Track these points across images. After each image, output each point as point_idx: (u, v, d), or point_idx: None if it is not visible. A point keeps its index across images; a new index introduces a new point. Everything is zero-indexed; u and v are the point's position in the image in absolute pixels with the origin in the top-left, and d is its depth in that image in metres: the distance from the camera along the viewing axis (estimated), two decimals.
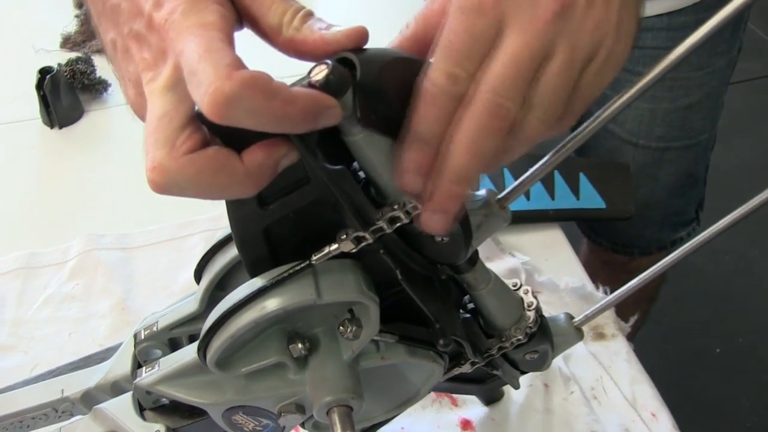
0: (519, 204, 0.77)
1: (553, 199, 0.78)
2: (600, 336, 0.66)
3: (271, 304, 0.38)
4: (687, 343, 1.74)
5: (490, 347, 0.48)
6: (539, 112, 0.33)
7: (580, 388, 0.62)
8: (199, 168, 0.30)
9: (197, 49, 0.29)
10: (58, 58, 1.07)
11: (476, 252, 0.43)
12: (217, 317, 0.39)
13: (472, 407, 0.60)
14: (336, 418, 0.41)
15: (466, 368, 0.50)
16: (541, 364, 0.53)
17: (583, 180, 0.79)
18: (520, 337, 0.48)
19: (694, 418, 1.55)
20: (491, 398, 0.60)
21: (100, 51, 1.11)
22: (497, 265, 0.70)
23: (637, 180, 0.95)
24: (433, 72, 0.32)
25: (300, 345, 0.41)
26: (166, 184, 0.30)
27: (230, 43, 0.31)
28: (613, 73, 0.35)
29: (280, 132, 0.30)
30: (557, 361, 0.63)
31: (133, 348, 0.48)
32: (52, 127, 0.99)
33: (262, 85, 0.28)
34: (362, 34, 0.32)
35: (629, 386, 0.62)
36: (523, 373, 0.54)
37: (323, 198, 0.36)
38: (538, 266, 0.72)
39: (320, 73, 0.31)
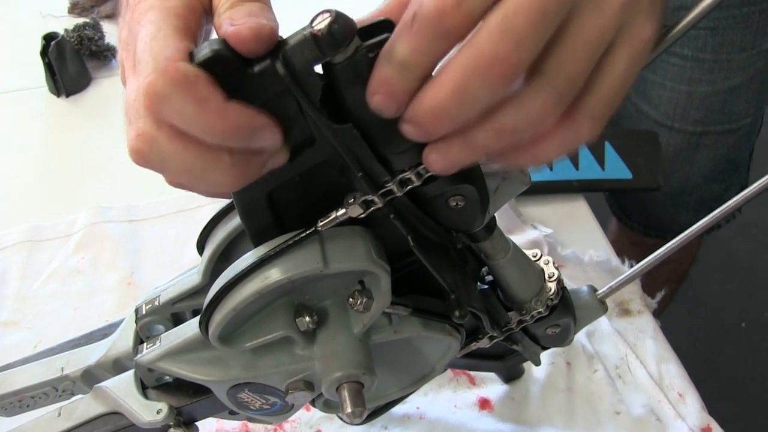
0: (542, 174, 0.75)
1: (577, 169, 0.75)
2: (625, 312, 0.64)
3: (275, 273, 0.36)
4: (713, 318, 1.72)
5: (509, 320, 0.46)
6: (549, 80, 0.28)
7: (604, 366, 0.60)
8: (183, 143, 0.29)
9: (145, 36, 0.28)
10: (65, 23, 1.05)
11: (494, 219, 0.41)
12: (219, 289, 0.37)
13: (491, 385, 0.58)
14: (346, 394, 0.39)
15: (484, 343, 0.48)
16: (563, 338, 0.51)
17: (609, 149, 0.76)
18: (540, 309, 0.46)
19: (721, 393, 1.53)
20: (511, 376, 0.59)
21: (109, 16, 1.09)
22: (519, 238, 0.68)
23: (672, 164, 0.92)
24: None
25: (308, 318, 0.40)
26: (149, 154, 0.29)
27: (185, 31, 0.29)
28: (642, 59, 0.30)
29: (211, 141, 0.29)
30: (580, 339, 0.61)
31: (134, 324, 0.47)
32: (58, 95, 0.97)
33: (194, 88, 0.27)
34: (264, 35, 0.29)
35: (656, 365, 0.60)
36: (544, 348, 0.53)
37: (330, 159, 0.34)
38: (562, 239, 0.69)
39: (322, 22, 0.28)
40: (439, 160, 0.31)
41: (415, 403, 0.57)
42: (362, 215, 0.35)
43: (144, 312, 0.46)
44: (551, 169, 0.75)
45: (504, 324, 0.46)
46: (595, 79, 0.30)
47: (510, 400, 0.57)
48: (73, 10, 1.12)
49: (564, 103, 0.29)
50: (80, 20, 1.04)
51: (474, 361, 0.54)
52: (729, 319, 1.73)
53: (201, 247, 0.44)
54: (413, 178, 0.34)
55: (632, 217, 1.02)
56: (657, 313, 1.05)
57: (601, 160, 0.76)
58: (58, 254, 0.75)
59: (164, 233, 0.77)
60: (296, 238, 0.36)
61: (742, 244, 1.86)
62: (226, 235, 0.42)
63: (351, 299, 0.39)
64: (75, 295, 0.70)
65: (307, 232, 0.36)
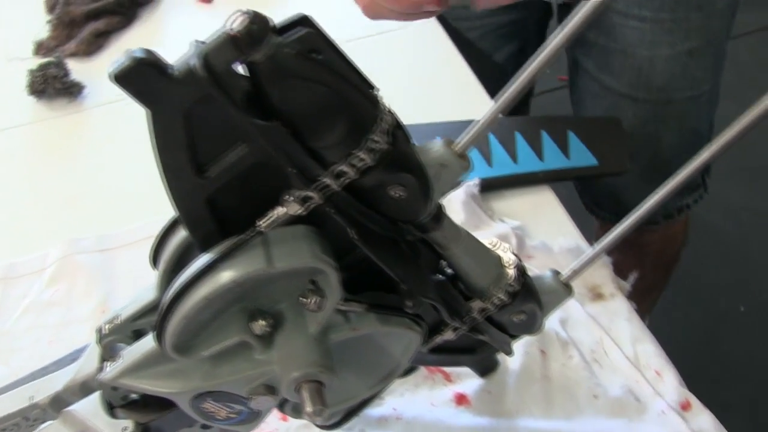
0: (506, 168, 0.75)
1: (541, 160, 0.76)
2: (598, 297, 0.64)
3: (221, 278, 0.36)
4: (711, 305, 1.72)
5: (471, 310, 0.47)
6: None
7: (580, 352, 0.60)
8: None
9: None
10: (31, 65, 1.06)
11: (441, 208, 0.42)
12: (169, 299, 0.38)
13: (467, 381, 0.58)
14: (305, 394, 0.40)
15: (448, 335, 0.48)
16: (531, 326, 0.51)
17: (573, 138, 0.77)
18: (501, 296, 0.46)
19: (726, 379, 1.54)
20: (486, 369, 0.59)
21: (74, 54, 1.10)
22: (487, 233, 0.69)
23: (640, 141, 0.92)
24: None
25: (262, 322, 0.40)
26: None
27: None
28: None
29: None
30: (554, 326, 0.62)
31: (98, 345, 0.47)
32: None
33: None
34: None
35: (631, 346, 0.60)
36: (514, 337, 0.53)
37: (264, 160, 0.35)
38: (530, 230, 0.70)
39: (238, 22, 0.29)
40: None
41: (392, 404, 0.57)
42: (302, 212, 0.36)
43: (106, 332, 0.46)
44: (515, 161, 0.75)
45: (465, 313, 0.47)
46: None
47: (486, 393, 0.57)
48: (39, 51, 1.13)
49: None
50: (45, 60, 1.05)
51: (446, 356, 0.55)
52: (727, 304, 1.73)
53: (155, 261, 0.45)
54: (348, 170, 0.34)
55: (603, 206, 1.02)
56: (648, 308, 1.06)
57: (565, 150, 0.76)
58: (32, 289, 0.75)
59: (137, 259, 0.77)
60: (238, 241, 0.36)
61: (733, 229, 1.87)
62: (176, 246, 0.42)
63: (303, 299, 0.40)
64: (50, 328, 0.71)
65: (249, 233, 0.36)
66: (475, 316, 0.47)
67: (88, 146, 0.94)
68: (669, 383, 0.58)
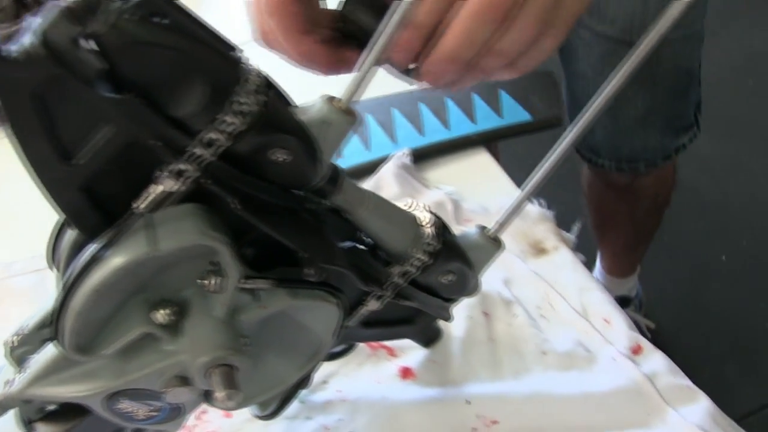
0: (438, 134, 0.76)
1: (474, 122, 0.76)
2: (541, 252, 0.65)
3: (106, 267, 0.36)
4: (693, 258, 1.74)
5: (390, 275, 0.47)
6: (532, 7, 0.38)
7: (525, 309, 0.60)
8: None
9: None
10: None
11: (338, 171, 0.42)
12: (60, 297, 0.37)
13: (411, 353, 0.59)
14: (216, 379, 0.40)
15: (373, 305, 0.48)
16: (463, 286, 0.52)
17: (504, 96, 0.78)
18: (421, 257, 0.46)
19: (714, 330, 1.55)
20: (429, 339, 0.59)
21: None
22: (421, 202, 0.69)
23: (637, 85, 0.92)
24: None
25: (163, 311, 0.40)
26: None
27: None
28: None
29: None
30: (496, 287, 0.62)
31: (9, 358, 0.46)
32: None
33: None
34: None
35: (578, 297, 0.61)
36: (450, 301, 0.53)
37: (134, 140, 0.34)
38: (467, 194, 0.70)
39: None
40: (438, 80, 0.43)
41: (336, 386, 0.57)
42: (180, 188, 0.36)
43: (15, 344, 0.46)
44: (447, 127, 0.76)
45: (385, 279, 0.47)
46: None
47: (432, 363, 0.58)
48: None
49: (544, 21, 0.39)
50: None
51: (383, 330, 0.55)
52: (708, 255, 1.75)
53: (51, 262, 0.44)
54: (218, 136, 0.34)
55: (601, 153, 1.02)
56: (638, 251, 1.05)
57: (497, 109, 0.77)
58: None
59: None
60: (119, 227, 0.36)
61: (707, 183, 1.89)
62: (68, 245, 0.42)
63: (203, 281, 0.40)
64: None
65: (126, 217, 0.36)
66: (396, 281, 0.47)
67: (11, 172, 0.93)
68: (618, 329, 0.59)
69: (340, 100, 0.39)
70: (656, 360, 0.57)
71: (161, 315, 0.40)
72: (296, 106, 0.39)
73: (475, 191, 0.71)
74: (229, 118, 0.34)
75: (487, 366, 0.57)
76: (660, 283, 1.63)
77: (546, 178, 0.47)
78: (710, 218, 1.81)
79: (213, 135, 0.34)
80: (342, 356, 0.56)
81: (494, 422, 0.54)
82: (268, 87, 0.36)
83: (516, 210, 0.50)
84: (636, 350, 0.58)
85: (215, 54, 0.33)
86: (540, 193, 0.70)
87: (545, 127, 0.77)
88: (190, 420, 0.58)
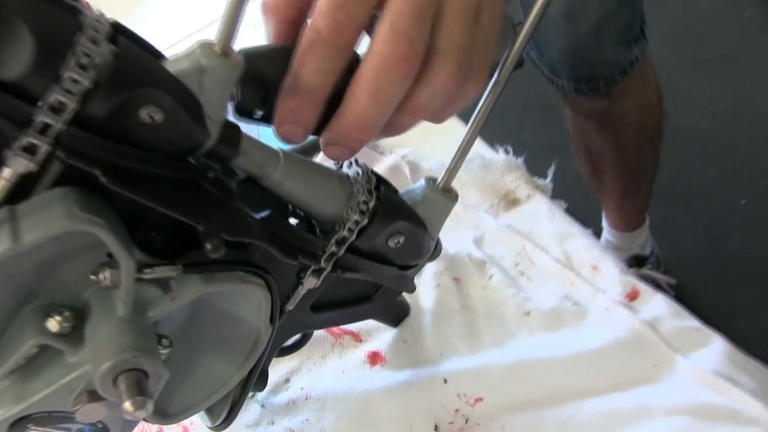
0: None
1: None
2: (513, 203, 0.61)
3: None
4: (708, 207, 1.69)
5: (325, 246, 0.43)
6: (447, 55, 0.36)
7: (501, 268, 0.56)
8: None
9: None
10: None
11: (235, 129, 0.38)
12: None
13: (379, 336, 0.55)
14: (122, 386, 0.36)
15: (311, 282, 0.45)
16: (418, 248, 0.48)
17: None
18: (356, 218, 0.43)
19: (743, 277, 1.51)
20: (396, 317, 0.55)
21: None
22: (378, 170, 0.65)
23: (586, 4, 0.93)
24: (316, 18, 0.34)
25: (58, 318, 0.36)
26: None
27: None
28: (499, 24, 0.38)
29: None
30: (466, 248, 0.58)
31: None
32: None
33: None
34: None
35: (559, 246, 0.57)
36: (405, 268, 0.49)
37: None
38: (425, 153, 0.66)
39: None
40: (346, 152, 0.39)
41: (299, 384, 0.54)
42: (33, 168, 0.32)
43: None
44: None
45: (319, 250, 0.43)
46: (475, 40, 0.36)
47: (402, 343, 0.54)
48: None
49: (462, 69, 0.36)
50: None
51: (339, 312, 0.51)
52: (725, 201, 1.70)
53: None
54: (65, 99, 0.31)
55: (560, 73, 1.04)
56: (639, 194, 1.03)
57: None
58: None
59: None
60: None
61: (712, 126, 1.85)
62: None
63: (94, 276, 0.36)
64: None
65: None
66: (333, 251, 0.43)
67: None
68: (609, 275, 0.55)
69: (213, 43, 0.35)
70: (657, 304, 0.53)
71: (54, 322, 0.36)
72: (165, 57, 0.35)
73: (434, 149, 0.67)
74: (73, 75, 0.30)
75: (464, 338, 0.53)
76: (677, 237, 1.59)
77: (490, 106, 0.44)
78: (721, 163, 1.77)
79: (59, 97, 0.30)
80: (298, 348, 0.52)
81: (478, 400, 0.50)
82: (119, 33, 0.32)
83: (464, 150, 0.47)
84: (632, 296, 0.54)
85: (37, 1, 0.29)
86: (525, 144, 0.66)
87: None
88: None
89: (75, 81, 0.30)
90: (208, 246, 0.36)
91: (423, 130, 0.70)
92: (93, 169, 0.33)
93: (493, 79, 0.43)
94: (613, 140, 1.16)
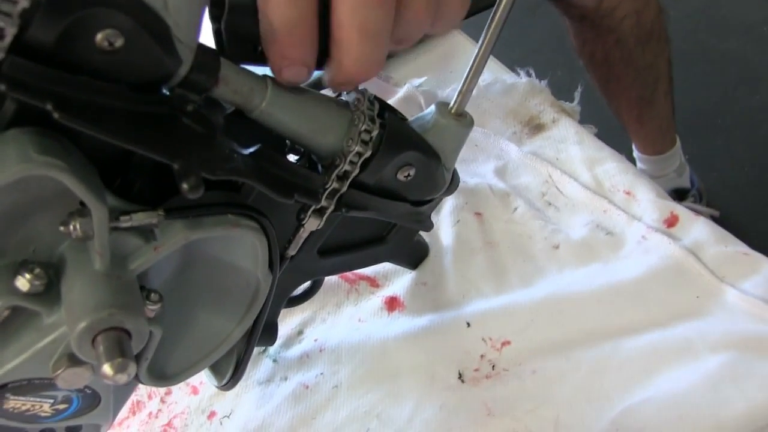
0: None
1: None
2: (538, 128, 0.56)
3: None
4: (753, 136, 1.61)
5: (325, 182, 0.39)
6: None
7: (526, 199, 0.52)
8: None
9: None
10: None
11: (214, 55, 0.34)
12: None
13: (396, 280, 0.51)
14: (100, 348, 0.32)
15: (313, 224, 0.41)
16: (432, 181, 0.44)
17: None
18: (358, 149, 0.38)
19: None
20: (414, 259, 0.51)
21: None
22: (391, 103, 0.60)
23: None
24: None
25: (28, 275, 0.33)
26: None
27: None
28: None
29: None
30: (486, 180, 0.54)
31: None
32: None
33: None
34: None
35: (588, 171, 0.52)
36: (420, 204, 0.45)
37: None
38: (442, 81, 0.61)
39: None
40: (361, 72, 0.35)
41: (312, 335, 0.50)
42: None
43: None
44: None
45: (319, 186, 0.39)
46: None
47: (422, 286, 0.50)
48: None
49: None
50: None
51: (351, 256, 0.48)
52: None
53: None
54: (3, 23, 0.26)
55: None
56: (659, 105, 0.98)
57: None
58: None
59: None
60: None
61: (756, 51, 1.75)
62: None
63: (63, 227, 0.32)
64: None
65: None
66: (335, 187, 0.39)
67: None
68: (645, 200, 0.50)
69: None
70: (698, 229, 0.48)
71: (24, 281, 0.33)
72: None
73: (451, 77, 0.62)
74: None
75: (488, 277, 0.49)
76: (720, 168, 1.52)
77: (504, 17, 0.39)
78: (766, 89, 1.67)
79: None
80: (308, 297, 0.49)
81: (505, 343, 0.46)
82: None
83: (477, 70, 0.42)
84: (671, 221, 0.49)
85: None
86: (557, 81, 0.61)
87: None
88: (153, 404, 0.52)
89: (10, 1, 0.26)
90: (185, 186, 0.32)
91: (438, 57, 0.65)
92: (43, 103, 0.29)
93: None
94: (612, 39, 1.12)
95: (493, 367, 0.45)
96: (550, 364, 0.44)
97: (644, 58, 1.17)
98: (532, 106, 0.57)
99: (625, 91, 1.23)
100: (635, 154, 1.37)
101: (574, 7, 1.07)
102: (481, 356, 0.46)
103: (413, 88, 0.60)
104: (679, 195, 1.39)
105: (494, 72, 0.60)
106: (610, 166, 0.52)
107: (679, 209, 0.49)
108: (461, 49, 0.65)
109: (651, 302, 0.45)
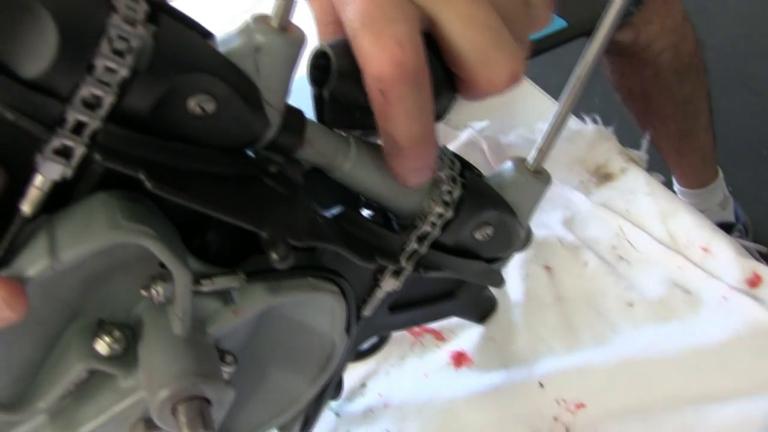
0: None
1: None
2: (606, 178, 0.54)
3: None
4: None
5: (405, 242, 0.37)
6: None
7: (597, 253, 0.50)
8: None
9: None
10: None
11: (299, 115, 0.33)
12: None
13: (463, 334, 0.50)
14: (182, 418, 0.31)
15: (390, 285, 0.39)
16: (508, 239, 0.42)
17: None
18: (440, 211, 0.37)
19: None
20: (482, 313, 0.49)
21: None
22: (451, 148, 0.59)
23: None
24: (369, 65, 0.30)
25: (108, 339, 0.32)
26: None
27: None
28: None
29: None
30: (555, 231, 0.52)
31: None
32: None
33: None
34: None
35: (662, 225, 0.51)
36: (494, 261, 0.43)
37: None
38: (504, 126, 0.60)
39: None
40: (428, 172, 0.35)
41: (376, 389, 0.49)
42: (67, 175, 0.27)
43: None
44: None
45: (399, 248, 0.38)
46: None
47: (490, 342, 0.48)
48: None
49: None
50: None
51: (419, 312, 0.46)
52: None
53: None
54: (99, 91, 0.26)
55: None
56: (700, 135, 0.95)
57: None
58: None
59: None
60: (9, 237, 0.28)
61: None
62: None
63: (145, 292, 0.31)
64: None
65: (16, 225, 0.28)
66: (415, 249, 0.38)
67: None
68: (724, 258, 0.48)
69: (269, 17, 0.30)
70: None
71: (104, 344, 0.32)
72: (213, 37, 0.30)
73: (512, 122, 0.61)
74: (108, 63, 0.25)
75: (560, 334, 0.48)
76: (766, 201, 1.49)
77: (586, 81, 0.38)
78: None
79: (93, 90, 0.26)
80: (375, 352, 0.47)
81: (579, 406, 0.44)
82: (159, 8, 0.27)
83: (558, 128, 0.40)
84: (753, 281, 0.47)
85: None
86: (595, 109, 0.59)
87: (585, 31, 0.66)
88: None
89: (110, 70, 0.25)
90: (275, 256, 0.31)
91: (498, 100, 0.64)
92: (136, 172, 0.28)
93: (593, 41, 0.37)
94: (650, 73, 1.10)
95: (567, 430, 0.43)
96: (628, 430, 0.43)
97: (683, 91, 1.15)
98: (599, 154, 0.56)
99: (664, 125, 1.21)
100: (676, 187, 1.35)
101: (611, 42, 1.05)
102: (555, 419, 0.44)
103: (475, 133, 0.59)
104: (723, 229, 1.36)
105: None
106: (685, 220, 0.50)
107: (762, 269, 0.47)
108: (521, 92, 0.64)
109: (736, 368, 0.43)
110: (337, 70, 0.33)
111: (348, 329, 0.38)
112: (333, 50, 0.33)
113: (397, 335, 0.51)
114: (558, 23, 0.66)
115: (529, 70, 0.40)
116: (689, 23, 1.09)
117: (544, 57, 0.72)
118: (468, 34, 0.33)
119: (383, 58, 0.30)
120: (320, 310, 0.37)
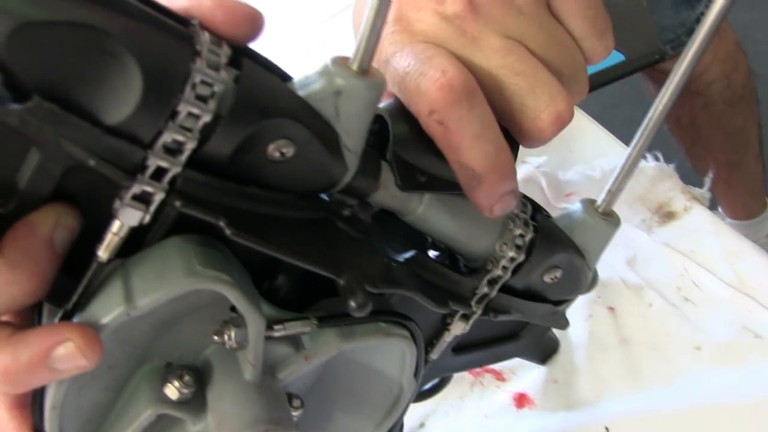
0: None
1: None
2: (669, 216, 0.53)
3: None
4: None
5: (475, 286, 0.36)
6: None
7: (661, 294, 0.49)
8: None
9: None
10: None
11: (374, 159, 0.32)
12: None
13: (524, 375, 0.48)
14: None
15: (458, 329, 0.38)
16: (576, 281, 0.41)
17: None
18: (511, 255, 0.36)
19: None
20: (544, 354, 0.48)
21: None
22: None
23: None
24: (432, 108, 0.30)
25: (177, 383, 0.31)
26: None
27: None
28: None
29: None
30: (618, 272, 0.51)
31: None
32: None
33: None
34: None
35: (728, 266, 0.49)
36: (560, 303, 0.42)
37: (73, 164, 0.26)
38: (562, 163, 0.59)
39: None
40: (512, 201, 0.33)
41: (435, 429, 0.48)
42: (145, 219, 0.27)
43: None
44: None
45: (470, 292, 0.36)
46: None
47: (553, 384, 0.47)
48: None
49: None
50: None
51: (482, 353, 0.45)
52: None
53: None
54: (181, 137, 0.25)
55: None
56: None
57: None
58: None
59: None
60: (86, 283, 0.28)
61: None
62: None
63: (217, 337, 0.31)
64: None
65: (92, 270, 0.27)
66: (485, 292, 0.37)
67: None
68: None
69: (349, 59, 0.29)
70: None
71: (173, 389, 0.31)
72: (291, 79, 0.29)
73: (571, 158, 0.59)
74: (191, 108, 0.24)
75: (624, 376, 0.46)
76: None
77: (660, 123, 0.37)
78: None
79: (175, 135, 0.25)
80: (436, 392, 0.46)
81: None
82: (241, 54, 0.26)
83: (629, 170, 0.39)
84: None
85: (143, 23, 0.24)
86: (656, 145, 0.58)
87: (644, 66, 0.65)
88: None
89: (193, 116, 0.25)
90: (353, 304, 0.30)
91: (558, 136, 0.63)
92: (216, 219, 0.27)
93: (670, 81, 0.36)
94: (700, 102, 1.08)
95: None
96: None
97: (734, 121, 1.12)
98: (660, 192, 0.54)
99: (712, 155, 1.19)
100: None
101: (659, 71, 1.02)
102: None
103: (533, 169, 0.58)
104: None
105: (618, 153, 0.57)
106: (753, 262, 0.49)
107: None
108: (579, 127, 0.62)
109: None
110: (393, 134, 0.32)
111: (416, 374, 0.37)
112: (388, 113, 0.32)
113: (456, 375, 0.50)
114: (615, 57, 0.65)
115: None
116: (742, 53, 1.07)
117: None
118: (502, 86, 0.32)
119: (430, 89, 0.30)
120: (389, 354, 0.36)
